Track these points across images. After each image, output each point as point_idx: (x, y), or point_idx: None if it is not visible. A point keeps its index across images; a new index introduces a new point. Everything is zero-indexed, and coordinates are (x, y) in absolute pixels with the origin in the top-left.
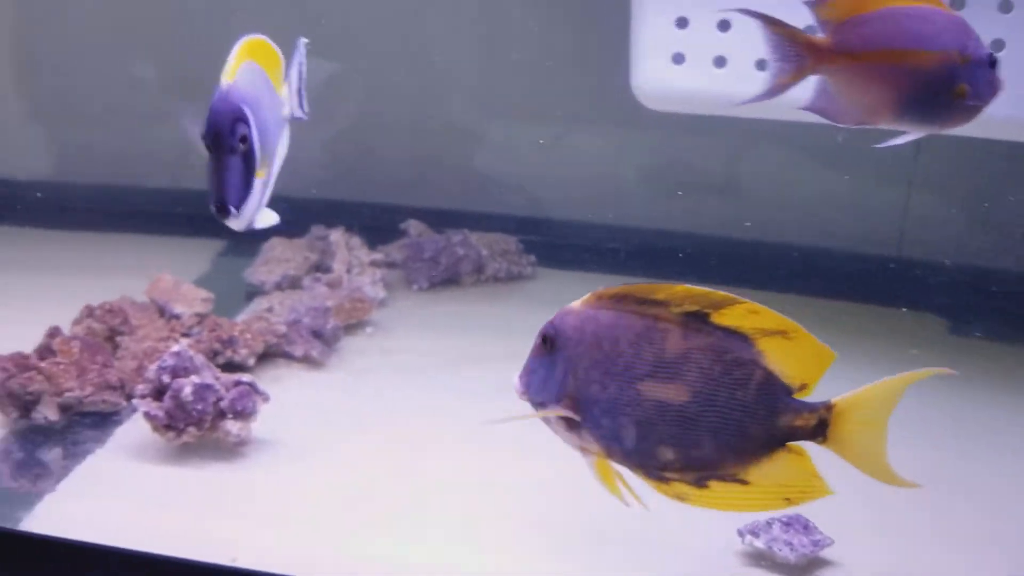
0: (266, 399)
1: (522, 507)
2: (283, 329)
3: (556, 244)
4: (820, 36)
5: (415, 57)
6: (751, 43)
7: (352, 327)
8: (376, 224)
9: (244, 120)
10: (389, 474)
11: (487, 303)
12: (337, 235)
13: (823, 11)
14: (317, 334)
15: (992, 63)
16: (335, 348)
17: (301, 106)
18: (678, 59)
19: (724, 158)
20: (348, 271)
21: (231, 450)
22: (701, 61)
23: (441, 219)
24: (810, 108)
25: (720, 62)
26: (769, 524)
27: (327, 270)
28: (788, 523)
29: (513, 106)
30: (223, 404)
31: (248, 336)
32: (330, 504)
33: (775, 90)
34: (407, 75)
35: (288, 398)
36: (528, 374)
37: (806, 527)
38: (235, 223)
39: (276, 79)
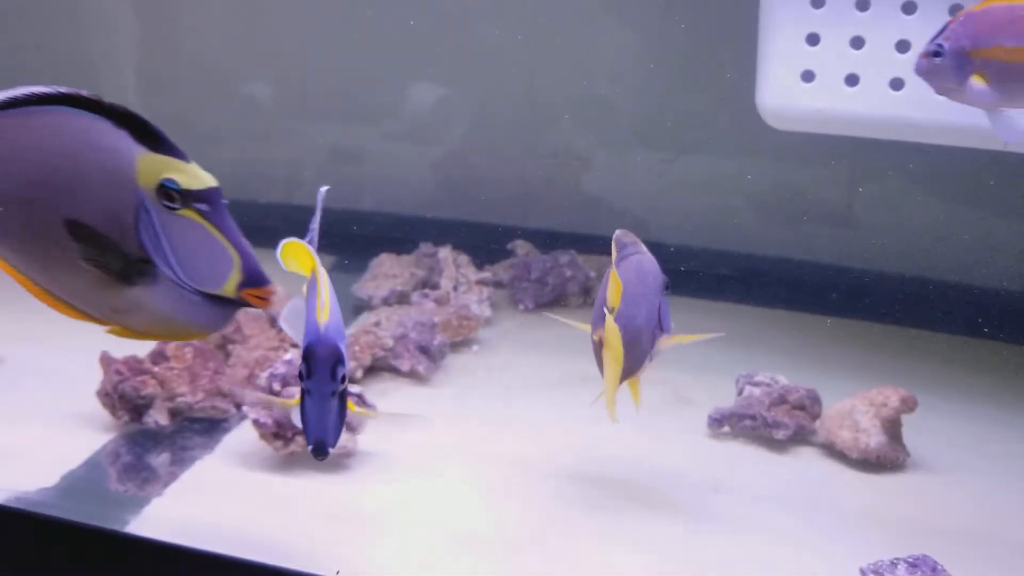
0: (374, 411)
1: (644, 519)
2: (390, 343)
3: (666, 269)
4: None
5: (527, 79)
6: (885, 61)
7: (458, 344)
8: (484, 244)
9: (343, 361)
10: (491, 492)
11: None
12: (445, 252)
13: None
14: (424, 349)
15: None
16: (441, 364)
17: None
18: (807, 76)
19: (844, 185)
20: (455, 288)
21: (337, 461)
22: (832, 79)
23: (550, 241)
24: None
25: (852, 80)
26: (894, 564)
27: (434, 287)
28: (915, 564)
29: (631, 128)
30: None
31: (356, 348)
32: (435, 520)
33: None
34: (520, 97)
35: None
36: None
37: (934, 569)
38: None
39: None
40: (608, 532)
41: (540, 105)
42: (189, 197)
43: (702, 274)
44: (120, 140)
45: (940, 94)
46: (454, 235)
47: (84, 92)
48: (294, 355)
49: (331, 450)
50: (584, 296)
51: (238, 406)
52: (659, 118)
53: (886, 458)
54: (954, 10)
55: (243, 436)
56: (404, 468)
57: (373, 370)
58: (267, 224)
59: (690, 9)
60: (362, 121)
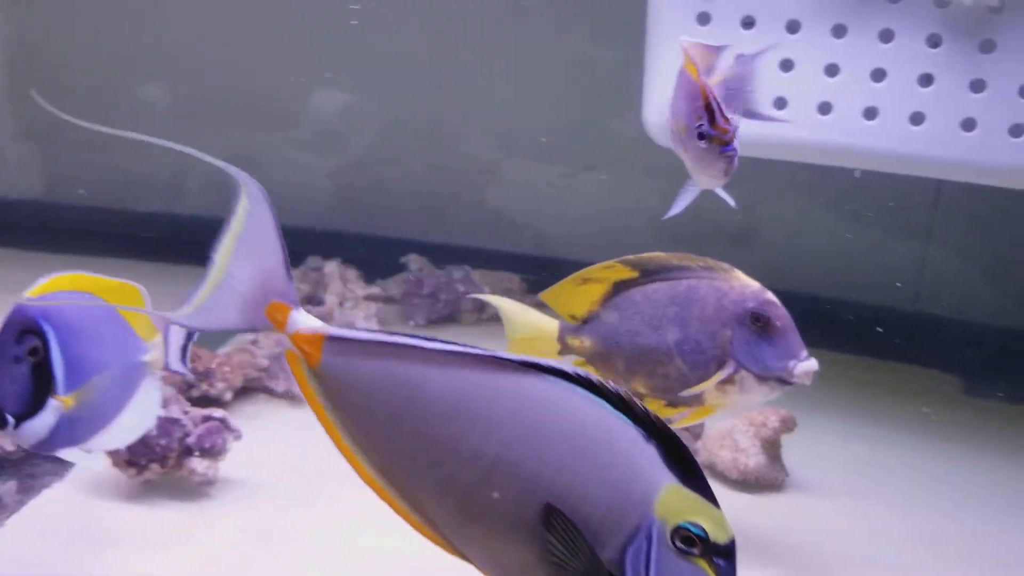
0: (238, 436)
1: None
2: (265, 363)
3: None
4: None
5: (430, 91)
6: (767, 80)
7: None
8: (382, 258)
9: (38, 333)
10: (365, 520)
11: (486, 342)
12: (332, 267)
13: None
14: None
15: None
16: None
17: (183, 361)
18: None
19: (738, 205)
20: (341, 304)
21: (196, 489)
22: None
23: (449, 255)
24: None
25: None
26: None
27: (319, 302)
28: None
29: (528, 144)
30: (190, 440)
31: (227, 369)
32: (296, 552)
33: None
34: (421, 109)
35: (265, 436)
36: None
37: None
38: (12, 437)
39: (137, 322)
40: None
41: (443, 117)
42: (712, 550)
43: None
44: (646, 457)
45: None
46: (350, 248)
47: (611, 385)
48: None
49: (10, 420)
50: (478, 313)
51: None
52: (562, 133)
53: (765, 478)
54: (839, 31)
55: (96, 464)
56: (268, 496)
57: (246, 391)
58: (145, 235)
59: (595, 24)
60: (258, 128)
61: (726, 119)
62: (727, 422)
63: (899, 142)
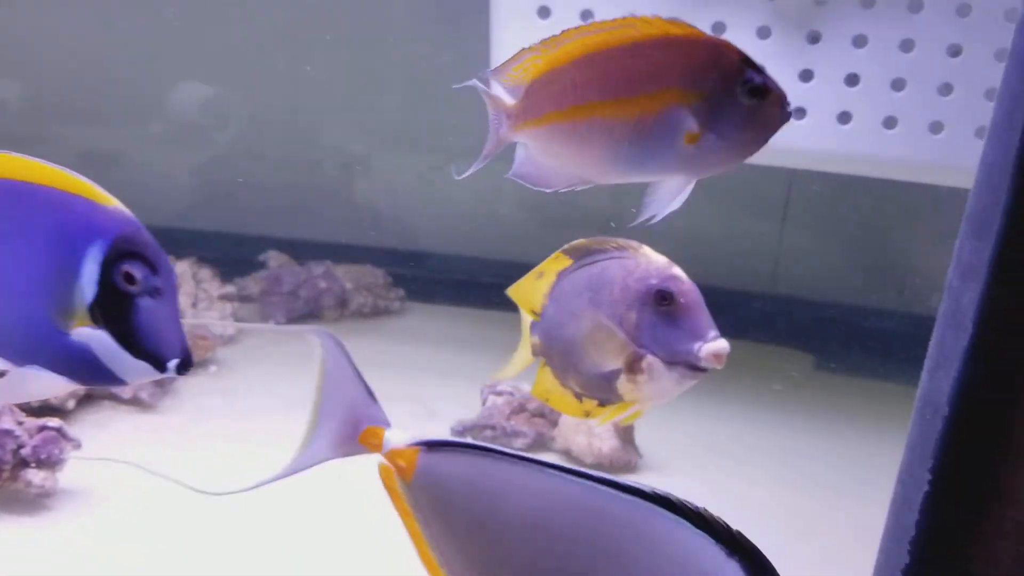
0: (77, 446)
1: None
2: None
3: (427, 278)
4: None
5: (292, 84)
6: None
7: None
8: (243, 256)
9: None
10: (216, 533)
11: (349, 339)
12: (184, 266)
13: (509, 79)
14: None
15: (758, 91)
16: (170, 389)
17: None
18: None
19: (599, 193)
20: (194, 305)
21: (33, 502)
22: None
23: (312, 251)
24: (514, 175)
25: None
26: None
27: None
28: None
29: (391, 138)
30: (24, 452)
31: None
32: (136, 564)
33: (485, 156)
34: (282, 102)
35: (110, 445)
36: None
37: None
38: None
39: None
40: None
41: (305, 110)
42: None
43: (470, 283)
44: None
45: None
46: (211, 246)
47: (691, 504)
48: None
49: None
50: (341, 309)
51: None
52: (430, 124)
53: (619, 461)
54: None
55: None
56: (111, 508)
57: (91, 398)
58: None
59: (464, 11)
60: (116, 124)
61: None
62: None
63: None
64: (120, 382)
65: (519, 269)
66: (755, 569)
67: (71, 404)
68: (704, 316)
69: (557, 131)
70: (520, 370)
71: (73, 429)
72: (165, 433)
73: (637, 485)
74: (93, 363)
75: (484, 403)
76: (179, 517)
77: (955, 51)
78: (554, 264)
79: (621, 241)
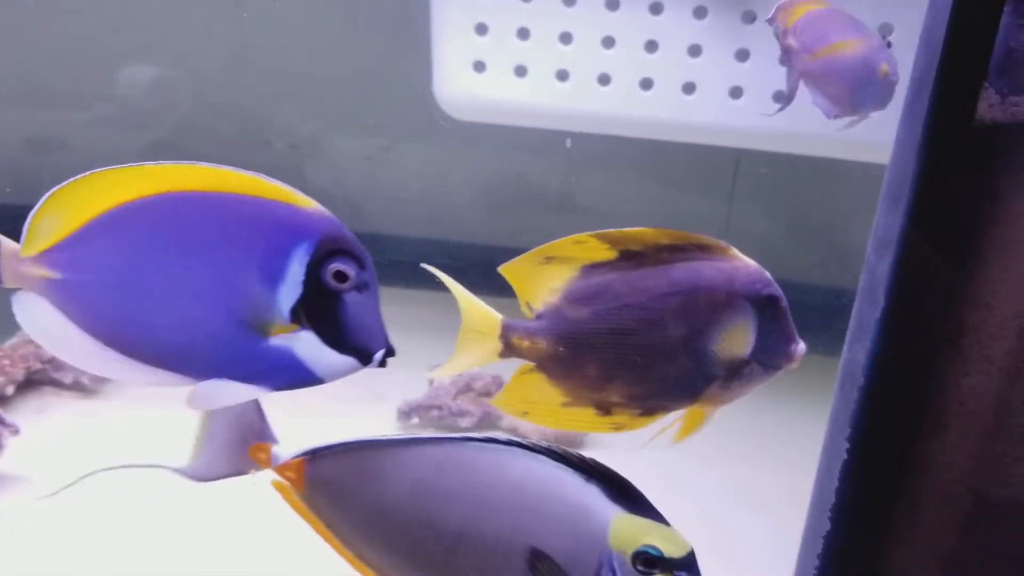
0: (15, 431)
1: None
2: (50, 354)
3: (376, 260)
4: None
5: (238, 63)
6: (550, 52)
7: None
8: None
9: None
10: (158, 514)
11: None
12: None
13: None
14: None
15: None
16: None
17: None
18: (479, 67)
19: (549, 175)
20: None
21: None
22: (502, 69)
23: None
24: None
25: (521, 71)
26: None
27: None
28: None
29: (336, 118)
30: None
31: (7, 363)
32: (82, 551)
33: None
34: (229, 82)
35: (51, 430)
36: None
37: None
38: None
39: None
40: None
41: (250, 89)
42: (672, 565)
43: (418, 264)
44: (591, 497)
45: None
46: None
47: (542, 443)
48: None
49: None
50: None
51: None
52: (376, 105)
53: (564, 438)
54: (612, 4)
55: None
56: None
57: (32, 384)
58: None
59: None
60: (58, 107)
61: None
62: None
63: (673, 111)
64: (318, 381)
65: (468, 250)
66: (613, 489)
67: (10, 390)
68: (791, 319)
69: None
70: (469, 368)
71: (12, 415)
72: (106, 417)
73: (492, 435)
74: (293, 365)
75: (430, 384)
76: (122, 501)
77: (887, 31)
78: (579, 251)
79: (703, 239)
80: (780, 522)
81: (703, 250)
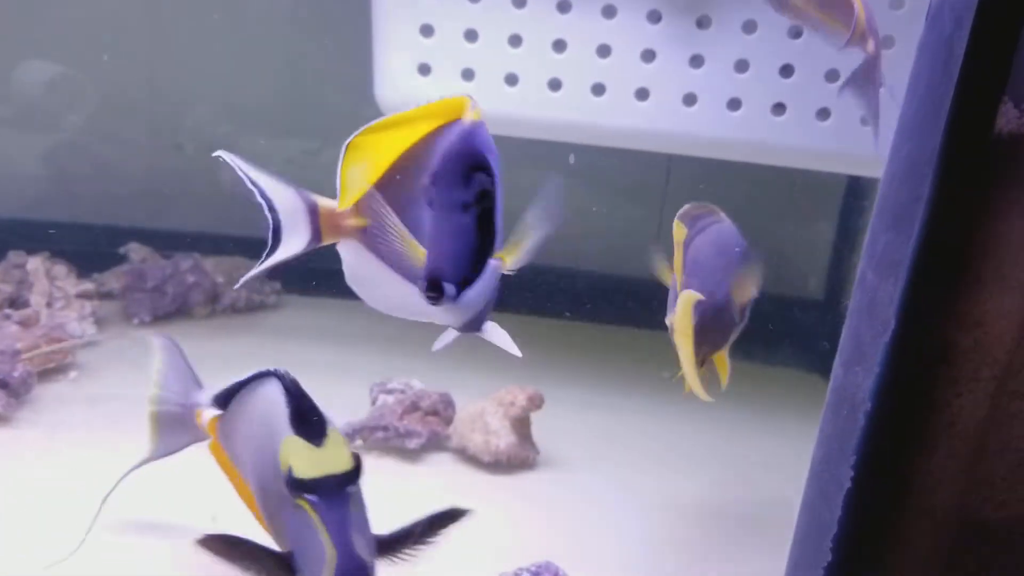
0: None
1: None
2: None
3: (304, 268)
4: None
5: (150, 61)
6: (498, 55)
7: (50, 372)
8: (102, 249)
9: (486, 169)
10: (80, 559)
11: (222, 337)
12: (36, 262)
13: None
14: (1, 384)
15: None
16: (26, 399)
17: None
18: (424, 69)
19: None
20: (49, 305)
21: None
22: (448, 72)
23: (176, 243)
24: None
25: (468, 75)
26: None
27: (24, 304)
28: (536, 572)
29: (264, 120)
30: None
31: None
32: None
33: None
34: (140, 81)
35: None
36: None
37: (556, 574)
38: (450, 314)
39: None
40: None
41: (166, 90)
42: (298, 487)
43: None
44: (279, 420)
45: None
46: (63, 240)
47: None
48: None
49: (451, 291)
50: (212, 304)
51: None
52: (302, 107)
53: (516, 458)
54: (564, 7)
55: None
56: None
57: None
58: None
59: None
60: None
61: None
62: (477, 405)
63: (626, 117)
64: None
65: None
66: (294, 408)
67: None
68: None
69: None
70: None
71: None
72: (20, 447)
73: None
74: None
75: (374, 402)
76: (34, 539)
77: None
78: (679, 234)
79: (706, 205)
80: (745, 537)
81: (711, 213)
